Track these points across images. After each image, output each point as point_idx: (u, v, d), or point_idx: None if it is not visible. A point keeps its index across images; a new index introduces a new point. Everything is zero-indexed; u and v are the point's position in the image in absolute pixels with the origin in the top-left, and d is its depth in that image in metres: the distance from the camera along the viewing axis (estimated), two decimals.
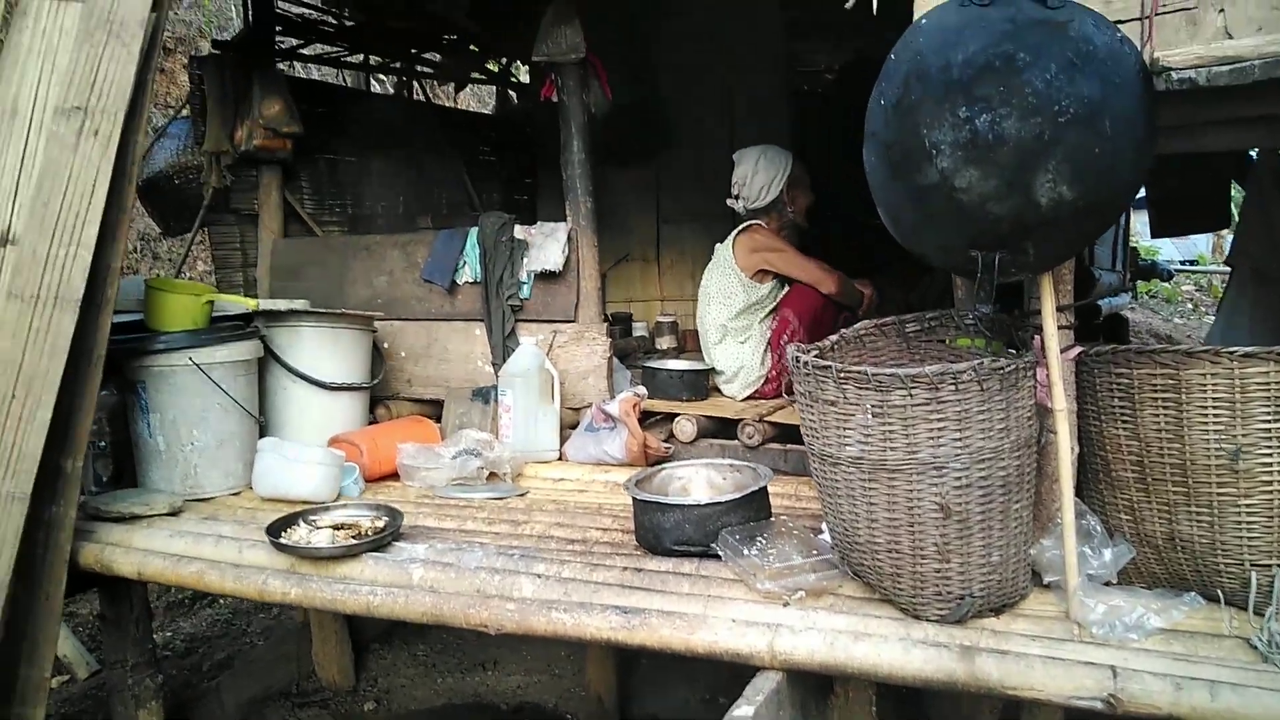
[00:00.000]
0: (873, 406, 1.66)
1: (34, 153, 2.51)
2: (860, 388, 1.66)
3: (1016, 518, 1.77)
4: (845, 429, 1.73)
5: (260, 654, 4.41)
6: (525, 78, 6.14)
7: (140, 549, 2.49)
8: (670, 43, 5.28)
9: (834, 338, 2.02)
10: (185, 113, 4.18)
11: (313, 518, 2.47)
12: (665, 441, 3.25)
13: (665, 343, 5.24)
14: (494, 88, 6.21)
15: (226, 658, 4.55)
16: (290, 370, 3.25)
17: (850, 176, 3.84)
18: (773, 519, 2.23)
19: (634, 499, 2.26)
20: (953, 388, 1.62)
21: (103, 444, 2.96)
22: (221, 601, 5.08)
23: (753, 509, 2.19)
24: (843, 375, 1.68)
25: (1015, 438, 1.71)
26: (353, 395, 3.40)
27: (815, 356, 1.87)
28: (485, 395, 3.44)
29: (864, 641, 1.74)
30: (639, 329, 5.37)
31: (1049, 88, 1.46)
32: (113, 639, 2.88)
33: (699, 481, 2.46)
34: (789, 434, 3.19)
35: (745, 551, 2.00)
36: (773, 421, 3.19)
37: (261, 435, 3.14)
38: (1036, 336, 1.77)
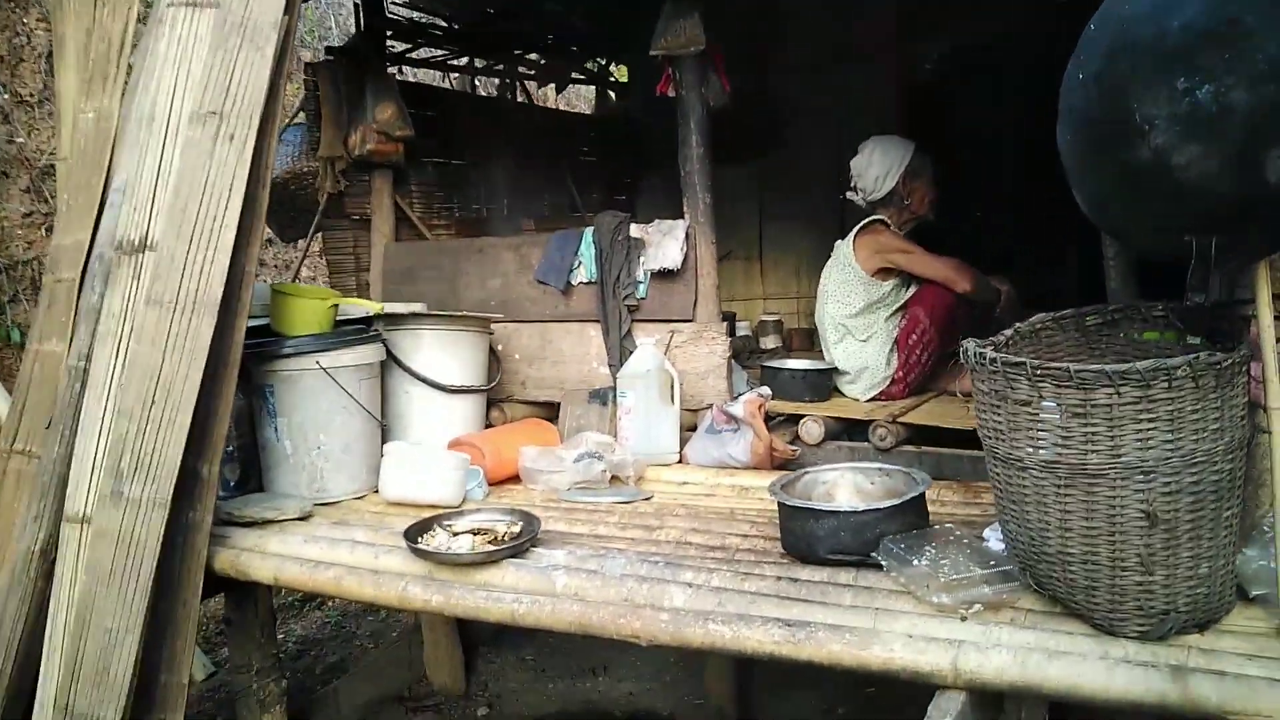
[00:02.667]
0: (1073, 406, 1.53)
1: (170, 159, 2.52)
2: (1060, 386, 1.53)
3: (1227, 526, 1.62)
4: (1038, 431, 1.60)
5: (374, 658, 4.43)
6: (624, 77, 6.09)
7: (275, 554, 2.47)
8: (781, 39, 5.16)
9: (1008, 332, 1.89)
10: (299, 119, 4.22)
11: (448, 523, 2.42)
12: (791, 444, 3.14)
13: (770, 342, 5.13)
14: (593, 89, 6.17)
15: (338, 660, 4.58)
16: (411, 373, 3.23)
17: (969, 170, 3.69)
18: (933, 526, 2.11)
19: (781, 504, 2.15)
20: (1165, 384, 1.48)
21: (231, 449, 2.96)
22: (330, 604, 5.12)
23: (913, 516, 2.07)
24: (1039, 373, 1.55)
25: (1229, 439, 1.56)
26: (471, 398, 3.36)
27: (1001, 351, 1.74)
28: (603, 397, 3.37)
29: (1059, 660, 1.60)
30: (742, 329, 5.26)
31: None
32: (239, 643, 2.88)
33: (845, 486, 2.34)
34: (923, 435, 3.06)
35: (914, 561, 1.88)
36: (906, 423, 3.06)
37: (384, 439, 3.13)
38: (1252, 327, 1.61)
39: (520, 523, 2.39)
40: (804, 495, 2.30)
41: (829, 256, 3.69)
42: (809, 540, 2.07)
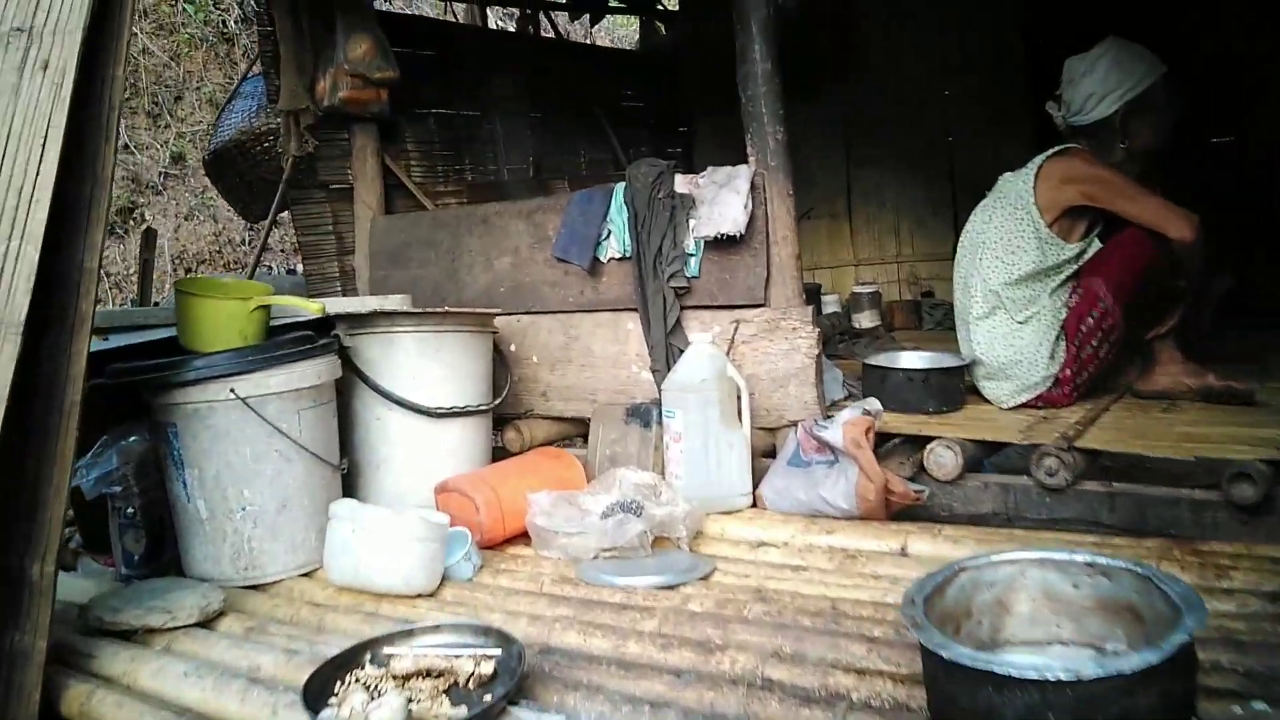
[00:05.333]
0: None
1: None
2: None
3: None
4: None
5: None
6: (674, 4, 5.09)
7: (141, 694, 1.64)
8: None
9: None
10: (256, 70, 3.38)
11: (388, 652, 1.55)
12: (912, 479, 2.20)
13: (865, 320, 4.15)
14: (636, 21, 5.18)
15: None
16: (382, 394, 2.38)
17: None
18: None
19: (928, 653, 1.22)
20: None
21: (130, 510, 2.16)
22: None
23: (1179, 678, 1.12)
24: None
25: None
26: (468, 422, 2.50)
27: None
28: (644, 416, 2.47)
29: None
30: (830, 303, 4.30)
31: None
32: None
33: (1029, 595, 1.40)
34: (1112, 465, 2.09)
35: None
36: (1084, 448, 2.08)
37: (346, 487, 2.30)
38: None
39: (495, 652, 1.51)
40: (960, 612, 1.37)
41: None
42: None
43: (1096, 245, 2.38)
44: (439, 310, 2.45)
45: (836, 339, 3.76)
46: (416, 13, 4.31)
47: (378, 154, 3.25)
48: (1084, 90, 2.44)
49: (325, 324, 2.44)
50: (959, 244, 2.60)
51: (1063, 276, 2.37)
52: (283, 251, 5.15)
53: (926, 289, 4.27)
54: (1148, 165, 2.49)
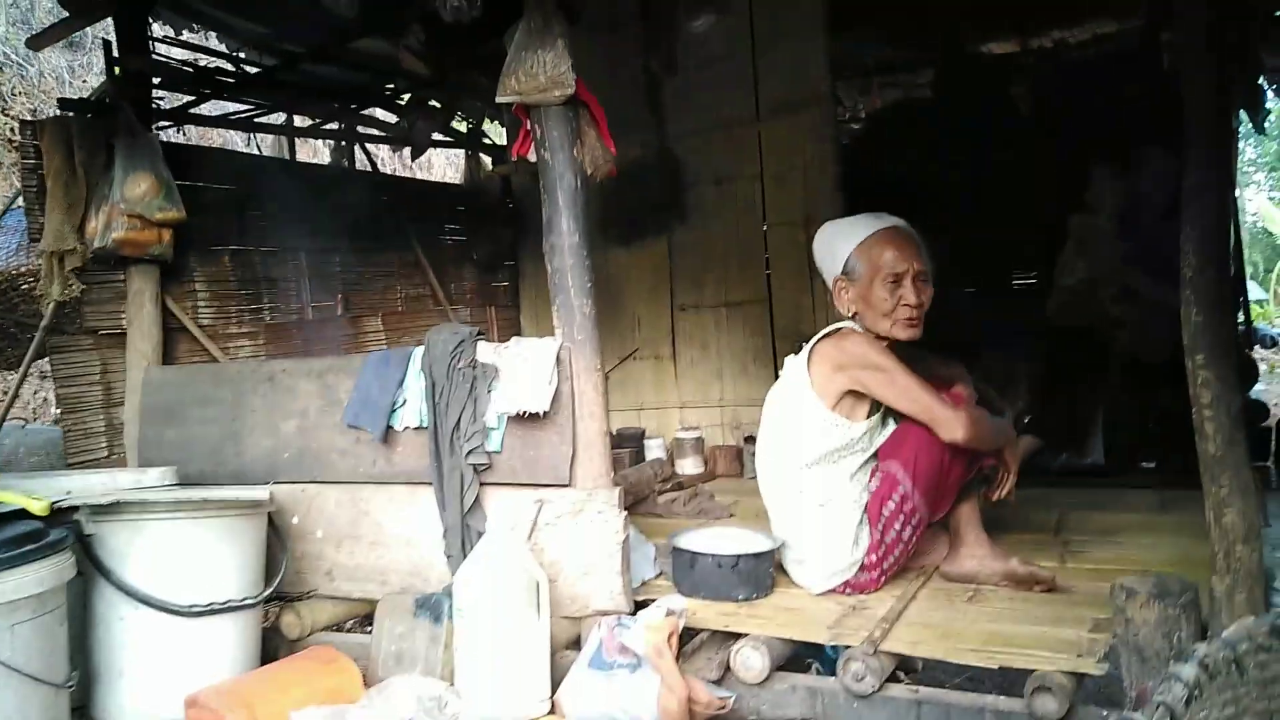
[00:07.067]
0: None
1: None
2: None
3: None
4: None
5: None
6: (501, 139, 5.04)
7: None
8: (685, 88, 4.16)
9: (1186, 676, 0.84)
10: (19, 203, 3.06)
11: None
12: (717, 682, 2.06)
13: (688, 466, 4.08)
14: (462, 153, 5.09)
15: None
16: (127, 591, 2.08)
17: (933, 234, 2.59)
18: None
19: None
20: None
21: None
22: None
23: None
24: None
25: None
26: (233, 617, 2.21)
27: None
28: (435, 609, 2.24)
29: None
30: (654, 448, 4.21)
31: None
32: None
33: None
34: (922, 669, 2.02)
35: None
36: (892, 651, 2.00)
37: (83, 697, 1.98)
38: None
39: None
40: None
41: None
42: None
43: (890, 427, 2.34)
44: (196, 499, 2.17)
45: (658, 490, 3.65)
46: (211, 145, 4.05)
47: (157, 298, 2.96)
48: (820, 266, 2.50)
49: (67, 510, 2.12)
50: (761, 425, 2.53)
51: (861, 459, 2.31)
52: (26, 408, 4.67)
53: (749, 435, 4.25)
54: (904, 325, 2.33)
